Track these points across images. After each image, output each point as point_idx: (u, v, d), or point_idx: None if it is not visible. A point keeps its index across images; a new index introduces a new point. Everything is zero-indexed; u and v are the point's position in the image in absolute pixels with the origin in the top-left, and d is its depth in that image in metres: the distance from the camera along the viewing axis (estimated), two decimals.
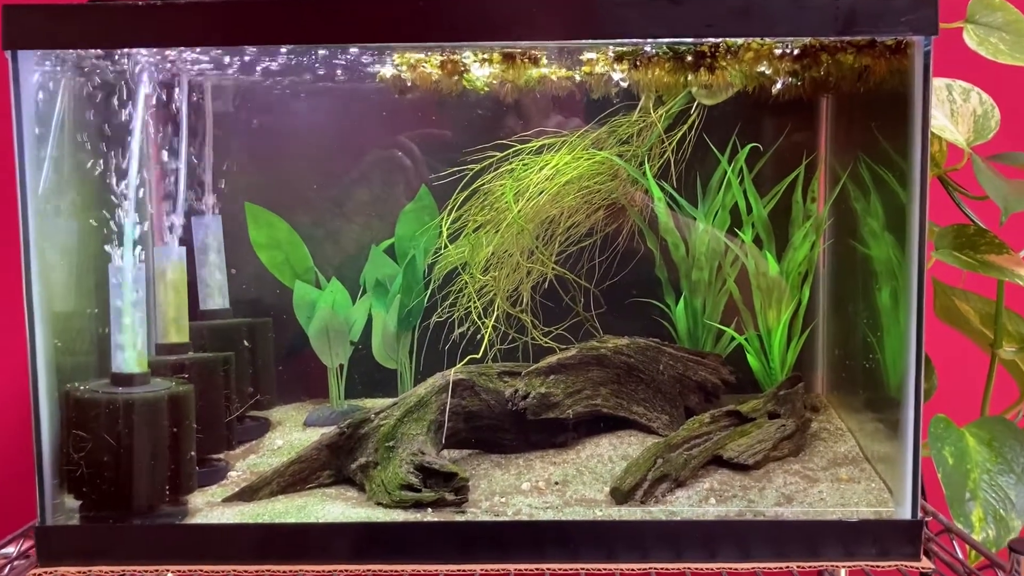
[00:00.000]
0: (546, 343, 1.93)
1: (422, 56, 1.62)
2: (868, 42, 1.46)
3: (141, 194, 1.57)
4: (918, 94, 1.35)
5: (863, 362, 1.70)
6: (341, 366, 1.90)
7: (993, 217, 1.69)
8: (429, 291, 1.87)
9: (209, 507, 1.55)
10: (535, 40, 1.44)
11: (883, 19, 1.31)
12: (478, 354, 1.72)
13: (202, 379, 1.68)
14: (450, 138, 1.90)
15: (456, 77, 1.73)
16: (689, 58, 1.53)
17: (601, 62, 1.61)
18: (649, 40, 1.46)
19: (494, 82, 1.79)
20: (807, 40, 1.46)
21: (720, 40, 1.46)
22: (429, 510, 1.51)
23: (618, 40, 1.48)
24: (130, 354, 1.49)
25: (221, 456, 1.77)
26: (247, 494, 1.59)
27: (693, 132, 1.88)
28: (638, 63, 1.55)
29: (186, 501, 1.57)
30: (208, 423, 1.67)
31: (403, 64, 1.67)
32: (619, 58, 1.57)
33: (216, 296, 1.88)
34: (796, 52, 1.52)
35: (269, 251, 1.89)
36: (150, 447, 1.47)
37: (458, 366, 1.74)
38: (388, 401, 1.66)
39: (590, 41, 1.49)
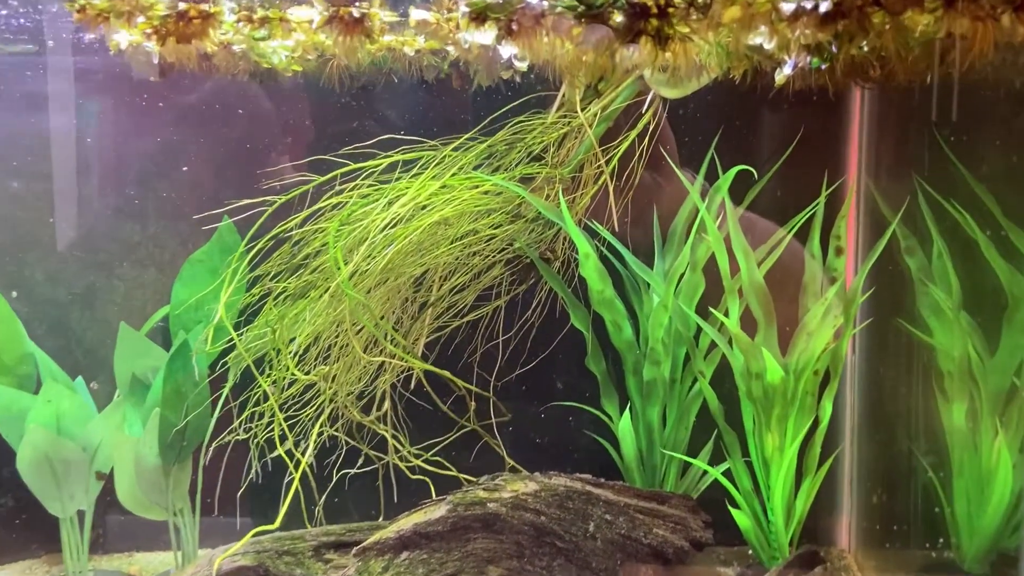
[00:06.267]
0: (415, 469, 1.21)
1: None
2: None
3: None
4: None
5: (918, 510, 1.29)
6: (81, 512, 1.19)
7: None
8: (223, 395, 1.16)
9: None
10: None
11: None
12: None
13: None
14: (242, 149, 1.18)
15: (237, 48, 1.00)
16: (619, 18, 0.78)
17: (451, 25, 0.86)
18: None
19: (309, 58, 1.06)
20: None
21: None
22: None
23: None
24: None
25: None
26: None
27: (646, 143, 1.14)
28: (513, 26, 0.80)
29: None
30: None
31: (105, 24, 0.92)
32: (478, 17, 0.81)
33: None
34: (825, 9, 0.79)
35: None
36: None
37: (238, 544, 1.02)
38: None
39: None
